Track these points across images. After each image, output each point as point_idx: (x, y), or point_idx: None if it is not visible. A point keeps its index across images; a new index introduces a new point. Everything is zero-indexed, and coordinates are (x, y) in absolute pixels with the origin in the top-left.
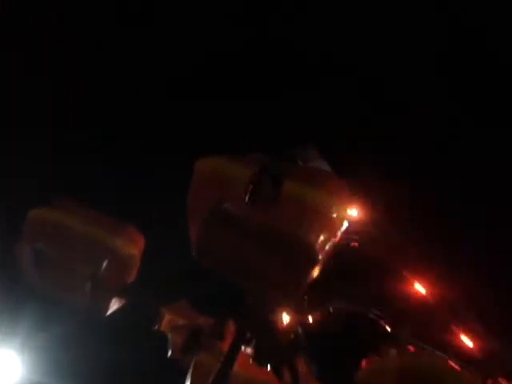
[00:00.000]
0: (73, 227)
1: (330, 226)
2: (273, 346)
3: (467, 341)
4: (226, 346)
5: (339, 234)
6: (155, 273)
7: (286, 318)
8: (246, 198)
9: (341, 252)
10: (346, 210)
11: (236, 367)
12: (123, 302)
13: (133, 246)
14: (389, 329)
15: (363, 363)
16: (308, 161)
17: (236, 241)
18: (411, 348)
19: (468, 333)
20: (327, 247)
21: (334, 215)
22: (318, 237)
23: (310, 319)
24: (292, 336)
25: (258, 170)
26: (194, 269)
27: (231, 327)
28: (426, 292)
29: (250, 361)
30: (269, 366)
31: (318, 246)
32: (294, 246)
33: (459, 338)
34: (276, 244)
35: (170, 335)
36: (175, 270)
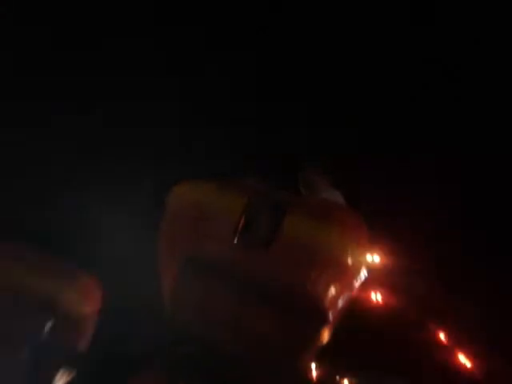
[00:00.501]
0: (5, 278)
1: (345, 276)
2: None
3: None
4: None
5: (356, 285)
6: (117, 334)
7: None
8: (235, 239)
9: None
10: (365, 255)
11: None
12: (72, 375)
13: (87, 302)
14: None
15: None
16: (315, 189)
17: (221, 295)
18: None
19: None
20: (340, 303)
21: (350, 262)
22: (329, 290)
23: None
24: None
25: (251, 202)
26: (169, 329)
27: None
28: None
29: None
30: None
31: (328, 302)
32: (298, 302)
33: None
34: (274, 299)
35: None
36: (143, 329)
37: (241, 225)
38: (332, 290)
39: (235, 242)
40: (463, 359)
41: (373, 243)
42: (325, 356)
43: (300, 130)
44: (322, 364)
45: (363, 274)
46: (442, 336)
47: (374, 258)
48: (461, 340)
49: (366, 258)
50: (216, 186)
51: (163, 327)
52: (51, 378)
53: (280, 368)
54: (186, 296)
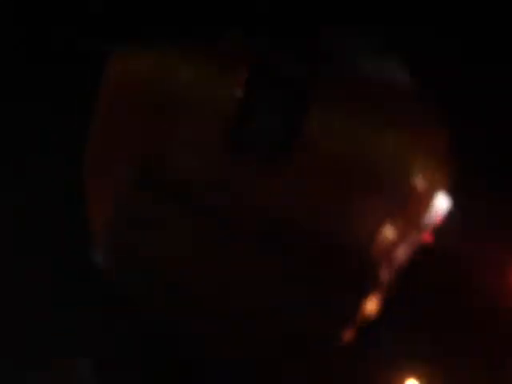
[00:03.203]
0: None
1: (409, 210)
2: None
3: None
4: None
5: (427, 226)
6: None
7: None
8: (223, 147)
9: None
10: (443, 175)
11: None
12: None
13: None
14: None
15: None
16: (355, 58)
17: (204, 242)
18: None
19: None
20: (400, 255)
21: (419, 185)
22: (382, 233)
23: None
24: None
25: (250, 81)
26: None
27: None
28: None
29: None
30: None
31: (379, 253)
32: (330, 255)
33: None
34: (291, 250)
35: None
36: None
37: (232, 123)
38: (387, 233)
39: (223, 153)
40: None
41: (455, 156)
42: None
43: None
44: None
45: (439, 205)
46: None
47: (454, 180)
48: None
49: (444, 180)
50: (189, 52)
51: None
52: None
53: (306, 349)
54: (131, 235)
